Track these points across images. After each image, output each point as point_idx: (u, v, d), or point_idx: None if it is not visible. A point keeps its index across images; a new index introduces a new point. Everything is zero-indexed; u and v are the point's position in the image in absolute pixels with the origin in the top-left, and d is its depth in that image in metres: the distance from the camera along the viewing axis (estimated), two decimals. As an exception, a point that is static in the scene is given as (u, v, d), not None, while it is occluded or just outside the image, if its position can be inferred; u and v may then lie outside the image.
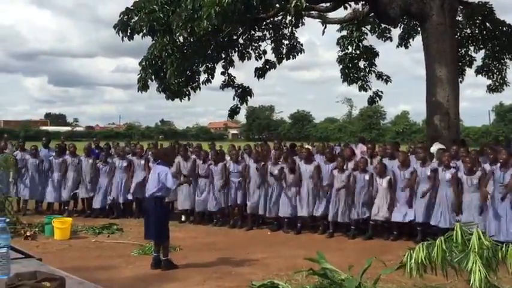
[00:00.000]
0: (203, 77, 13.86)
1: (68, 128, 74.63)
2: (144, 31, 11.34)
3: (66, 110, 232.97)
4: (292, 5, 8.41)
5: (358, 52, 15.31)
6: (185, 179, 9.62)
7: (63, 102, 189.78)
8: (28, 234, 8.82)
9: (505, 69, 15.65)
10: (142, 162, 11.35)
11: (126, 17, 11.63)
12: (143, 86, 12.56)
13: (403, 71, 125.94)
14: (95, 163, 11.61)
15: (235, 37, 13.22)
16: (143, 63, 12.11)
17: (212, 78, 14.05)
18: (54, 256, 7.38)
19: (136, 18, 11.52)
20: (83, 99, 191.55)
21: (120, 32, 11.61)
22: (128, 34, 11.69)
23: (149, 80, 12.59)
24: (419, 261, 3.74)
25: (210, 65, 13.87)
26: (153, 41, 11.88)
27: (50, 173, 11.69)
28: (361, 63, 15.58)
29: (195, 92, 13.37)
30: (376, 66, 15.59)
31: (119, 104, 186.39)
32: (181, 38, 11.02)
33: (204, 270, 6.86)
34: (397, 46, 16.69)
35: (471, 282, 3.55)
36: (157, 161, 7.57)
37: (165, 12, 10.96)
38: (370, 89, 15.83)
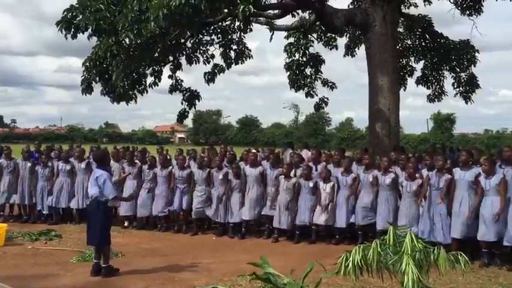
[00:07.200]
0: (150, 79, 13.64)
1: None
2: (90, 30, 11.01)
3: (4, 111, 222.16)
4: (240, 10, 8.45)
5: (304, 59, 15.59)
6: (129, 197, 9.57)
7: (1, 102, 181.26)
8: (-42, 241, 8.35)
9: (443, 80, 16.37)
10: (83, 166, 11.00)
11: (70, 14, 11.23)
12: (87, 88, 12.14)
13: (348, 78, 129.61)
14: (33, 167, 11.14)
15: (183, 40, 13.10)
16: (87, 64, 11.70)
17: (159, 81, 13.84)
18: (-14, 264, 7.04)
19: (81, 16, 11.15)
20: (23, 100, 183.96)
21: (63, 29, 11.19)
22: (72, 32, 11.30)
23: (93, 82, 12.20)
24: (356, 263, 3.85)
25: (157, 68, 13.67)
26: (98, 41, 11.54)
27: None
28: (308, 70, 15.86)
29: (142, 95, 13.10)
30: (322, 73, 15.94)
31: (61, 105, 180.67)
32: (127, 40, 10.79)
33: (146, 276, 6.74)
34: (344, 55, 17.12)
35: (404, 283, 3.70)
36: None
37: (111, 12, 10.69)
38: (317, 95, 16.17)
